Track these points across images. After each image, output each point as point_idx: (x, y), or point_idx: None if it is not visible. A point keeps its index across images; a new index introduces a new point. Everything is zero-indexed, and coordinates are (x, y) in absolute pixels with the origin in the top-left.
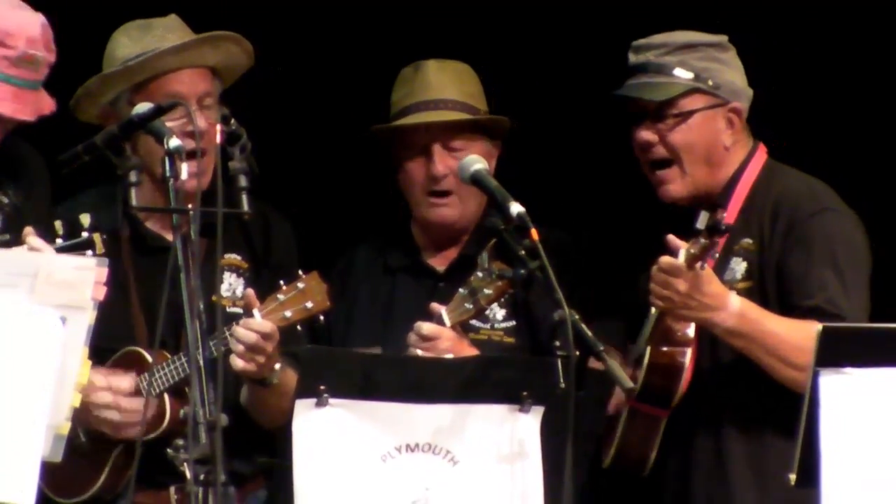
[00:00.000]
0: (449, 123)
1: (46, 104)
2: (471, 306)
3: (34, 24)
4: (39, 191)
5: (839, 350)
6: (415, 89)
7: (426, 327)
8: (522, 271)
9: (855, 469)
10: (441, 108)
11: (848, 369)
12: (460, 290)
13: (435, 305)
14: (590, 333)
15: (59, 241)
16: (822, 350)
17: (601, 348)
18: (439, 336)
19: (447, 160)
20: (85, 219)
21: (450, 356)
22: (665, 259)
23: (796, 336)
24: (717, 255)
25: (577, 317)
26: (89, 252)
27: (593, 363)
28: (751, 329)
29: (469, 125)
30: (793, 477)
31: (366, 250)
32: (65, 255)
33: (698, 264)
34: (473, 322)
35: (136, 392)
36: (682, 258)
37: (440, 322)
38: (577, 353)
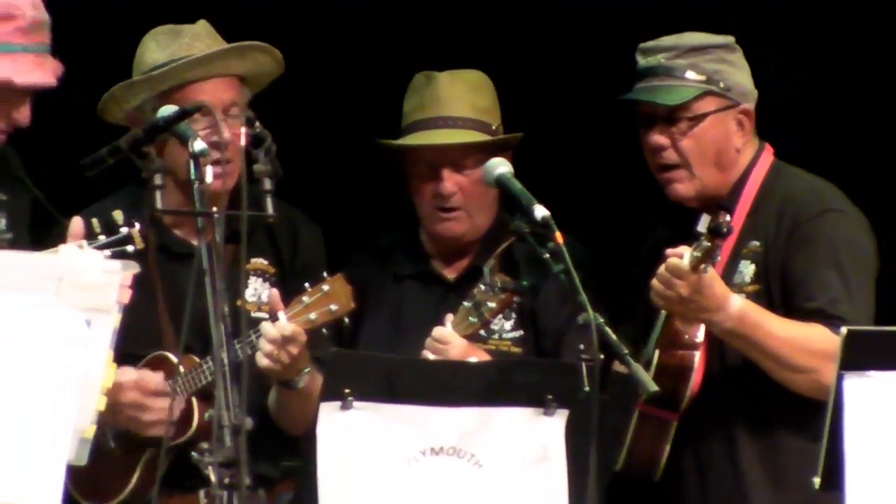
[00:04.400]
0: (457, 146)
1: (58, 66)
2: (475, 319)
3: None
4: (22, 187)
5: (863, 354)
6: (425, 103)
7: (437, 330)
8: (525, 282)
9: (879, 472)
10: (451, 125)
11: (872, 373)
12: (464, 303)
13: (449, 316)
14: (614, 337)
15: (100, 238)
16: (847, 354)
17: (626, 351)
18: (448, 341)
19: (456, 178)
20: (118, 215)
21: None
22: (671, 261)
23: (796, 338)
24: (726, 258)
25: (601, 320)
26: (130, 247)
27: (617, 366)
28: (750, 331)
29: (480, 146)
30: (817, 481)
31: (372, 257)
32: (104, 252)
33: (702, 267)
34: (482, 332)
35: (164, 391)
36: (686, 261)
37: None
38: (601, 356)
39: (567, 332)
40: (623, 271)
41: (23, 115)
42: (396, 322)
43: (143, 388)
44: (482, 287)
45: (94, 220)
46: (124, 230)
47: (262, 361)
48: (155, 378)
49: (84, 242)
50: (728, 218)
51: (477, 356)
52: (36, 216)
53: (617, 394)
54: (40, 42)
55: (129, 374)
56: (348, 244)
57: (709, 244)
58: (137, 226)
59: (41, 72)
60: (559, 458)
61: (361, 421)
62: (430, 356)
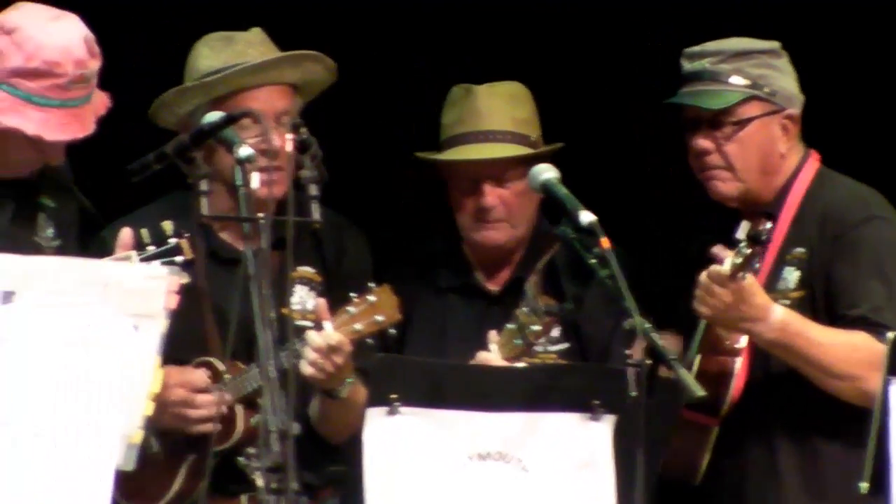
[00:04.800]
0: (497, 161)
1: (102, 105)
2: (520, 342)
3: (76, 41)
4: (69, 195)
5: None
6: (464, 116)
7: (481, 355)
8: (568, 305)
9: None
10: (491, 139)
11: None
12: (508, 325)
13: (492, 335)
14: (660, 342)
15: (149, 248)
16: (894, 359)
17: (672, 356)
18: None
19: (497, 191)
20: (168, 226)
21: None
22: (712, 268)
23: (839, 346)
24: (771, 264)
25: (647, 325)
26: (179, 258)
27: (663, 371)
28: (793, 340)
29: (521, 159)
30: (865, 486)
31: (413, 268)
32: (153, 262)
33: (740, 274)
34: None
35: (210, 388)
36: (727, 267)
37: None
38: (648, 361)
39: (613, 339)
40: (666, 277)
41: (55, 159)
42: (440, 335)
43: (189, 386)
44: (525, 309)
45: (144, 231)
46: (173, 241)
47: (307, 370)
48: (201, 375)
49: (133, 253)
50: (769, 225)
51: None
52: (84, 224)
53: (663, 399)
54: (79, 96)
55: (175, 372)
56: (389, 254)
57: (748, 251)
58: (186, 236)
59: (77, 125)
60: (606, 464)
61: (408, 426)
62: None
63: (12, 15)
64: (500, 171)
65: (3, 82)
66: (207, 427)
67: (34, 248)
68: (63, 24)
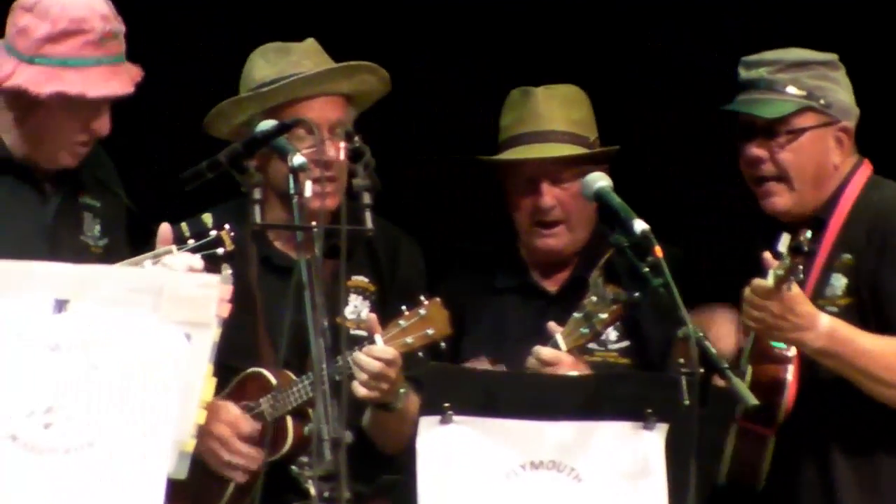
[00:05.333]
0: (556, 160)
1: (136, 72)
2: (587, 330)
3: (98, 1)
4: (113, 194)
5: None
6: (523, 117)
7: (545, 352)
8: (637, 294)
9: None
10: (549, 139)
11: None
12: (574, 314)
13: (552, 325)
14: (713, 350)
15: (190, 242)
16: None
17: (725, 365)
18: (559, 362)
19: (555, 192)
20: (208, 219)
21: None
22: (756, 281)
23: (887, 354)
24: (819, 271)
25: (701, 334)
26: (220, 250)
27: (716, 380)
28: (841, 349)
29: (577, 159)
30: None
31: (469, 271)
32: (196, 254)
33: (784, 286)
34: (588, 345)
35: (255, 441)
36: (770, 280)
37: (555, 344)
38: (701, 369)
39: (669, 346)
40: (719, 283)
41: (102, 125)
42: (497, 336)
43: (235, 428)
44: (593, 298)
45: (183, 225)
46: (213, 233)
47: (360, 391)
48: (250, 424)
49: (174, 247)
50: (808, 235)
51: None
52: (130, 224)
53: (716, 407)
54: (113, 53)
55: (229, 408)
56: (445, 256)
57: (790, 262)
58: (227, 227)
59: (116, 82)
60: (659, 473)
61: (461, 435)
62: None
63: (17, 3)
64: (557, 170)
65: (35, 55)
66: (232, 475)
67: (81, 248)
68: None
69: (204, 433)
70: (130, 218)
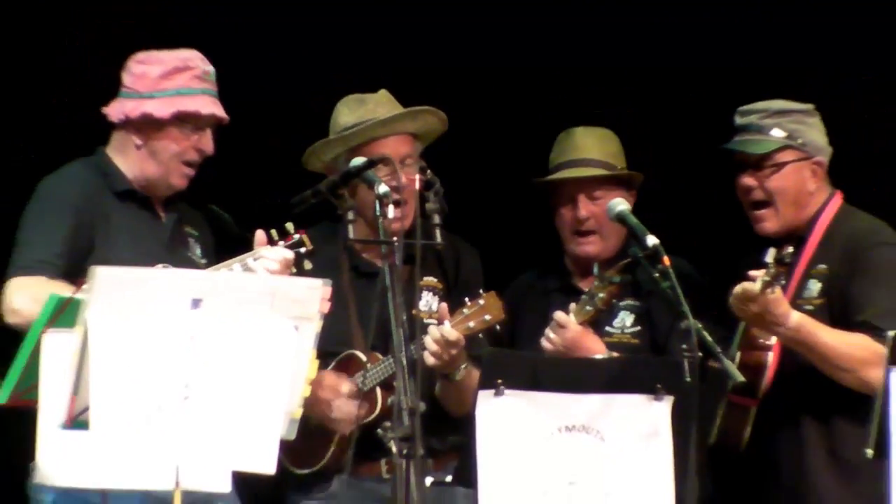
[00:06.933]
0: (590, 178)
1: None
2: (591, 308)
3: (191, 51)
4: (206, 226)
5: None
6: (566, 149)
7: (559, 314)
8: (629, 258)
9: None
10: (585, 165)
11: None
12: (583, 295)
13: (572, 305)
14: (710, 338)
15: (280, 243)
16: (894, 352)
17: (719, 350)
18: (567, 325)
19: (590, 206)
20: (290, 226)
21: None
22: (744, 285)
23: (842, 345)
24: (799, 276)
25: (700, 325)
26: (302, 249)
27: (712, 362)
28: (806, 339)
29: (607, 178)
30: (870, 451)
31: (529, 276)
32: (288, 251)
33: (768, 290)
34: (608, 328)
35: (354, 396)
36: (758, 285)
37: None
38: (700, 353)
39: (673, 335)
40: (718, 287)
41: (207, 144)
42: (545, 327)
43: (336, 391)
44: (596, 283)
45: (273, 231)
46: (296, 236)
47: (429, 360)
48: (349, 386)
49: (267, 248)
50: (790, 250)
51: (588, 338)
52: (220, 241)
53: (711, 384)
54: (213, 89)
55: (332, 376)
56: (508, 278)
57: (775, 271)
58: (303, 230)
59: (217, 109)
60: (666, 435)
61: (511, 405)
62: (551, 334)
63: (131, 60)
64: (592, 188)
65: (154, 91)
66: (338, 427)
67: (191, 263)
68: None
69: (313, 401)
70: (220, 235)
